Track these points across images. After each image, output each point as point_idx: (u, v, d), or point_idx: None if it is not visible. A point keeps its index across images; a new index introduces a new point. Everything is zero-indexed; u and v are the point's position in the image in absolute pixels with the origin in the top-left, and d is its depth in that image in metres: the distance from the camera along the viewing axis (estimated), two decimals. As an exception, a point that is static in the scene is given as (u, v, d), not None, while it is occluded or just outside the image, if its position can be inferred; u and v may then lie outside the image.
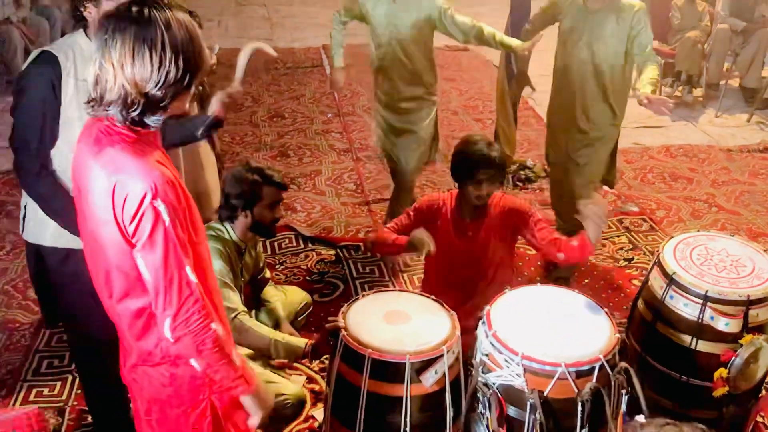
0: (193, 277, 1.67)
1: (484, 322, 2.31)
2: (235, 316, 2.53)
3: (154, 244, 1.62)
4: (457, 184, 2.94)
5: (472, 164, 2.82)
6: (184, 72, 1.63)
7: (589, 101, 3.71)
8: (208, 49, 3.26)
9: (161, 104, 1.64)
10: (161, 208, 1.61)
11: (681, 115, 6.55)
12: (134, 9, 1.61)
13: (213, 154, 3.44)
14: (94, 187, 1.66)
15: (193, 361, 1.75)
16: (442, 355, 2.22)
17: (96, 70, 1.63)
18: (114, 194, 1.61)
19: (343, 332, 2.29)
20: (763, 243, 4.14)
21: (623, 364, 2.22)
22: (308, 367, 3.29)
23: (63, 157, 2.28)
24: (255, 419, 1.88)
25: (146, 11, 1.61)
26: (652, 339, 2.81)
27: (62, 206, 2.26)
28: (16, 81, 2.33)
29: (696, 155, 5.73)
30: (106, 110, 1.63)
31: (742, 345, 2.59)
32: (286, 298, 3.24)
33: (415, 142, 4.03)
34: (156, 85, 1.60)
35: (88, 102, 1.66)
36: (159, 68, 1.59)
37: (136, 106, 1.61)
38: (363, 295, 2.54)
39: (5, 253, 4.16)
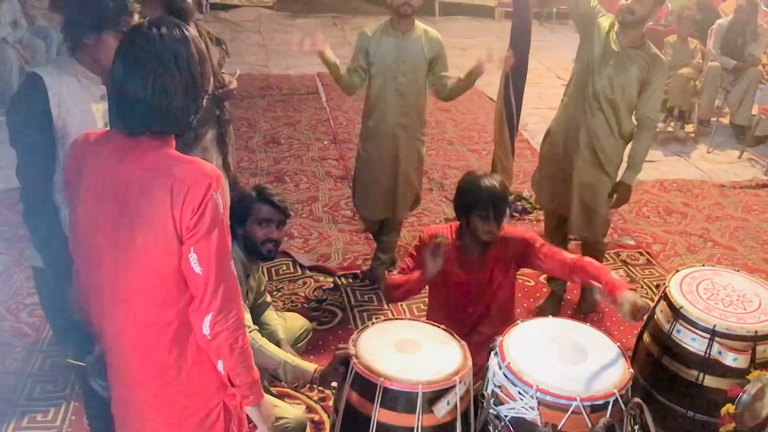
0: (235, 271, 1.76)
1: (496, 354, 2.28)
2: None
3: (211, 235, 1.68)
4: (463, 219, 2.89)
5: (480, 200, 2.78)
6: (196, 88, 1.73)
7: (598, 132, 3.61)
8: (230, 75, 3.30)
9: (180, 115, 1.72)
10: (218, 200, 1.68)
11: (674, 150, 6.64)
12: (151, 28, 1.70)
13: (227, 178, 3.43)
14: (137, 190, 1.69)
15: (220, 364, 1.81)
16: (454, 386, 2.19)
17: (118, 82, 1.70)
18: (173, 191, 1.65)
19: (354, 360, 2.26)
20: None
21: (636, 400, 2.20)
22: (307, 397, 3.24)
23: None
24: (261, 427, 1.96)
25: (163, 30, 1.69)
26: (658, 373, 2.79)
27: (51, 242, 2.28)
28: (7, 111, 2.32)
29: (689, 190, 5.79)
30: (130, 119, 1.70)
31: (749, 381, 2.59)
32: (286, 323, 3.20)
33: (408, 183, 3.99)
34: (172, 99, 1.68)
35: (110, 110, 1.73)
36: (178, 82, 1.68)
37: (155, 116, 1.68)
38: (372, 323, 2.51)
39: (-3, 275, 4.09)
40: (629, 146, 3.69)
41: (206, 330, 1.73)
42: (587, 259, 2.81)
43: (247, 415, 1.99)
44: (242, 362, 1.81)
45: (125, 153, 1.72)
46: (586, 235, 3.86)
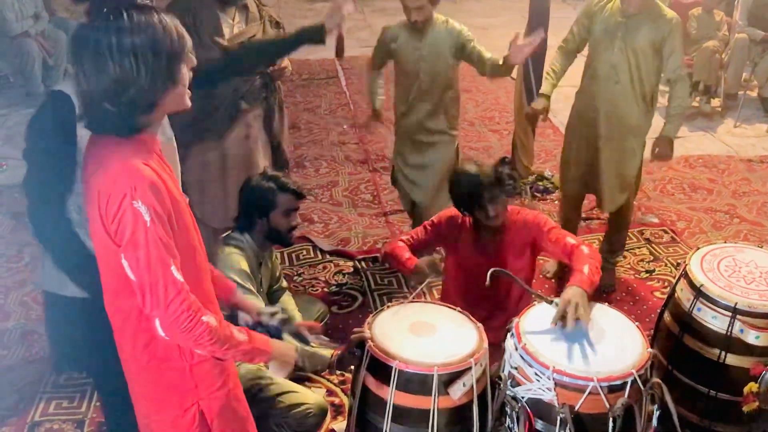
0: (179, 276, 1.66)
1: (513, 335, 2.27)
2: None
3: (137, 244, 1.62)
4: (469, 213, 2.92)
5: (469, 195, 2.80)
6: (152, 71, 1.63)
7: (619, 105, 3.59)
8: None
9: (143, 106, 1.67)
10: (142, 209, 1.62)
11: (699, 126, 6.50)
12: (93, 20, 1.67)
13: (277, 163, 3.47)
14: (87, 188, 1.73)
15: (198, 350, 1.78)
16: (469, 368, 2.18)
17: (75, 83, 1.68)
18: (99, 195, 1.65)
19: (370, 343, 2.26)
20: (788, 254, 4.07)
21: (656, 380, 2.18)
22: (328, 380, 3.26)
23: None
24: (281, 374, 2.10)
25: (104, 19, 1.63)
26: (679, 352, 2.76)
27: (73, 256, 2.16)
28: (30, 122, 2.20)
29: (715, 166, 5.67)
30: (94, 121, 1.69)
31: (773, 359, 2.55)
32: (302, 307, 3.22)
33: (434, 178, 3.92)
34: (128, 90, 1.62)
35: (78, 117, 1.72)
36: (124, 73, 1.61)
37: (116, 112, 1.64)
38: (388, 307, 2.50)
39: (24, 265, 4.16)
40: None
41: (161, 332, 1.69)
42: (583, 248, 2.66)
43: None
44: (220, 347, 1.75)
45: (94, 145, 1.74)
46: (615, 208, 3.84)
